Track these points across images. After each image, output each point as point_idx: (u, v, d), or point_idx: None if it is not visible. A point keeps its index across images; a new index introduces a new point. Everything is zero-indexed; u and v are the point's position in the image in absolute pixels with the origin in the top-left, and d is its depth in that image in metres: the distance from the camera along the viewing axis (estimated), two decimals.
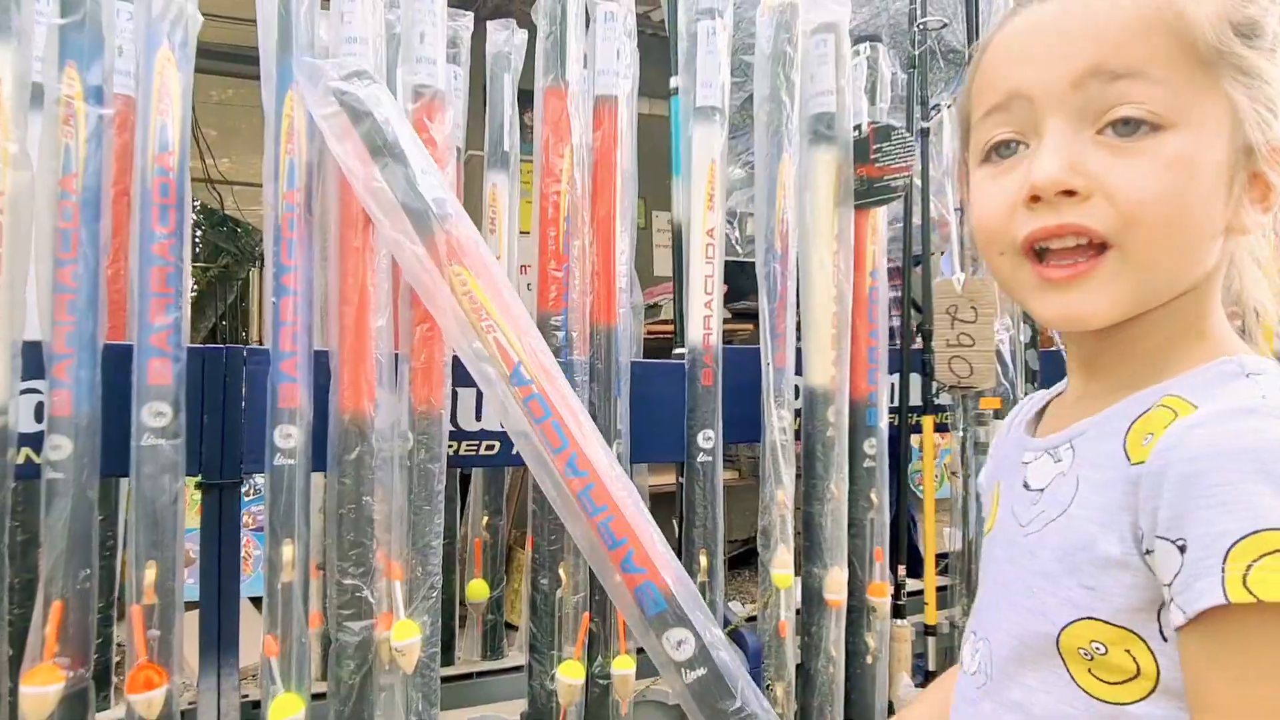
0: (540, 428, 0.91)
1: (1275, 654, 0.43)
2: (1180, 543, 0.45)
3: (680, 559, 1.20)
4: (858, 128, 1.30)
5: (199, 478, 1.01)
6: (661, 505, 1.68)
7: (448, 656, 1.31)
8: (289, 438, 0.93)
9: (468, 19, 1.29)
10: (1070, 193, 0.49)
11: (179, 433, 0.89)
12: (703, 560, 1.18)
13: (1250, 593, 0.42)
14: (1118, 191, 0.48)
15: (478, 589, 1.28)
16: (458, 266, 0.90)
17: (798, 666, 1.25)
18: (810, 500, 1.26)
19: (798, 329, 1.26)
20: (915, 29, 1.38)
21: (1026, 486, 0.57)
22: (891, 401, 1.42)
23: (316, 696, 0.99)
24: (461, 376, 1.12)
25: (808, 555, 1.26)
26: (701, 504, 1.18)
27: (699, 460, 1.19)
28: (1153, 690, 0.47)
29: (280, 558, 0.92)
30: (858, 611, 1.30)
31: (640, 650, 1.13)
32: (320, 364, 0.98)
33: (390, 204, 0.90)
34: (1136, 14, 0.49)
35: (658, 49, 1.34)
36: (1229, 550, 0.43)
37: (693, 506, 1.18)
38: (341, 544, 0.97)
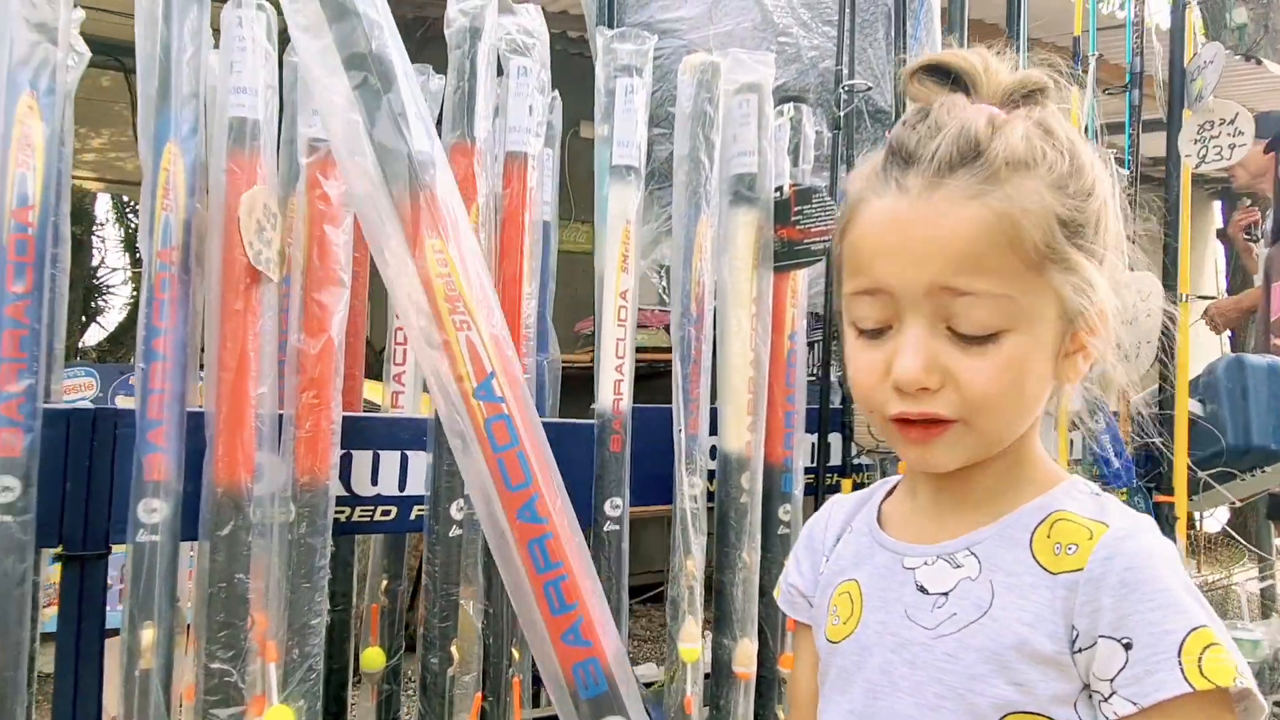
0: (501, 456, 0.79)
1: None
2: (1125, 641, 0.53)
3: None
4: (779, 189, 1.28)
5: (60, 549, 0.95)
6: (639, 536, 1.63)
7: None
8: (154, 512, 0.87)
9: None
10: (926, 388, 0.57)
11: (29, 508, 0.83)
12: None
13: (1207, 679, 0.51)
14: (965, 387, 0.57)
15: (373, 657, 1.22)
16: (438, 241, 0.76)
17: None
18: (722, 569, 1.23)
19: (714, 392, 1.24)
20: (841, 90, 1.38)
21: (923, 590, 0.62)
22: (811, 462, 1.40)
23: None
24: (354, 439, 1.07)
25: (718, 626, 1.23)
26: (607, 573, 1.14)
27: (605, 529, 1.15)
28: None
29: (138, 643, 0.86)
30: (768, 683, 1.27)
31: None
32: (197, 427, 0.92)
33: (358, 136, 0.74)
34: (979, 234, 0.56)
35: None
36: (1180, 645, 0.52)
37: (598, 573, 1.14)
38: (211, 624, 0.91)
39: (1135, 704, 0.53)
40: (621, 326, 1.15)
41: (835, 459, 1.44)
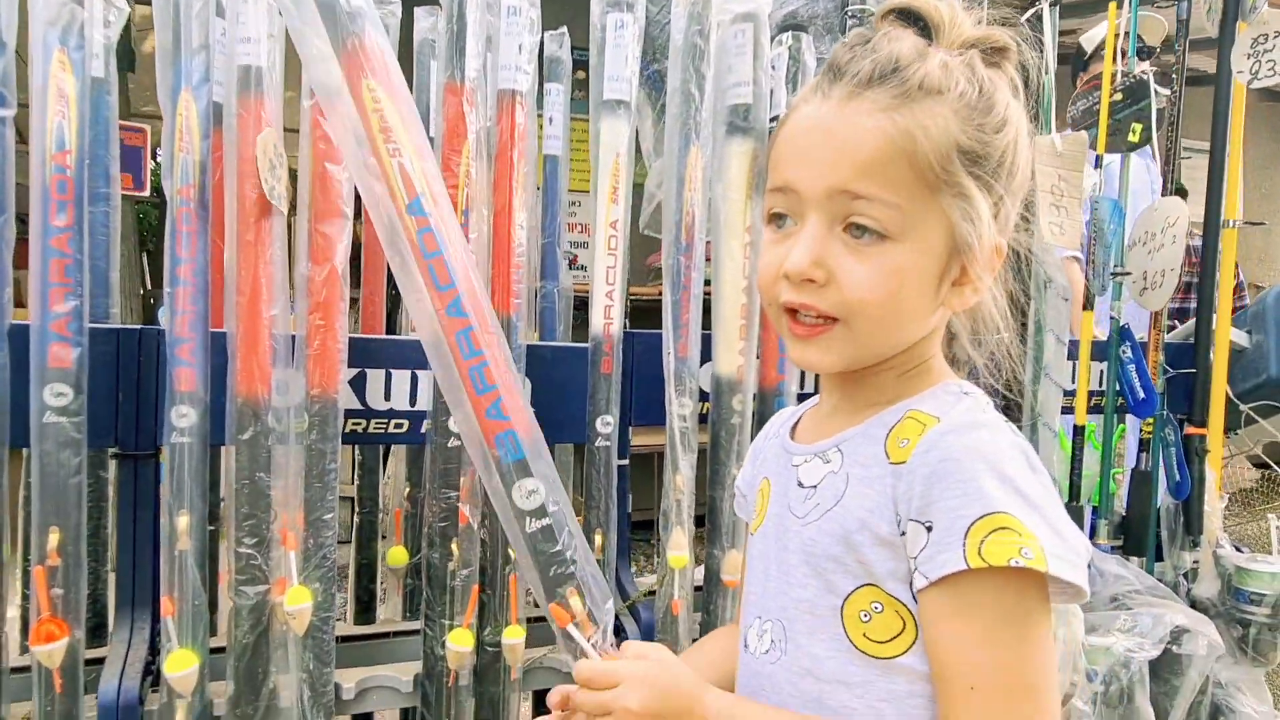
0: (431, 262, 0.84)
1: (991, 607, 0.58)
2: (928, 524, 0.60)
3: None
4: (775, 118, 1.30)
5: (117, 449, 1.10)
6: (642, 464, 1.73)
7: (369, 616, 1.41)
8: (184, 417, 1.01)
9: (395, 5, 1.32)
10: (812, 280, 0.64)
11: (80, 412, 0.97)
12: (598, 539, 1.24)
13: (982, 559, 0.57)
14: (845, 286, 0.63)
15: (397, 555, 1.36)
16: (371, 80, 0.84)
17: (694, 641, 1.31)
18: (713, 485, 1.30)
19: (706, 317, 1.29)
20: (846, 15, 1.37)
21: (800, 485, 0.71)
22: (802, 387, 1.44)
23: (218, 651, 1.08)
24: (368, 358, 1.18)
25: (709, 538, 1.31)
26: (598, 486, 1.23)
27: (597, 444, 1.24)
28: (913, 644, 0.63)
29: (175, 528, 1.00)
30: None
31: (531, 620, 1.20)
32: (220, 346, 1.05)
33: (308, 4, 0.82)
34: (880, 144, 0.62)
35: None
36: (968, 529, 0.58)
37: (590, 488, 1.24)
38: (238, 515, 1.05)
39: (927, 578, 0.60)
40: (612, 255, 1.22)
41: None
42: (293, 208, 1.07)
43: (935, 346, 0.71)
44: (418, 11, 1.35)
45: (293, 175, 1.05)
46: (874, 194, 0.61)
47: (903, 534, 0.62)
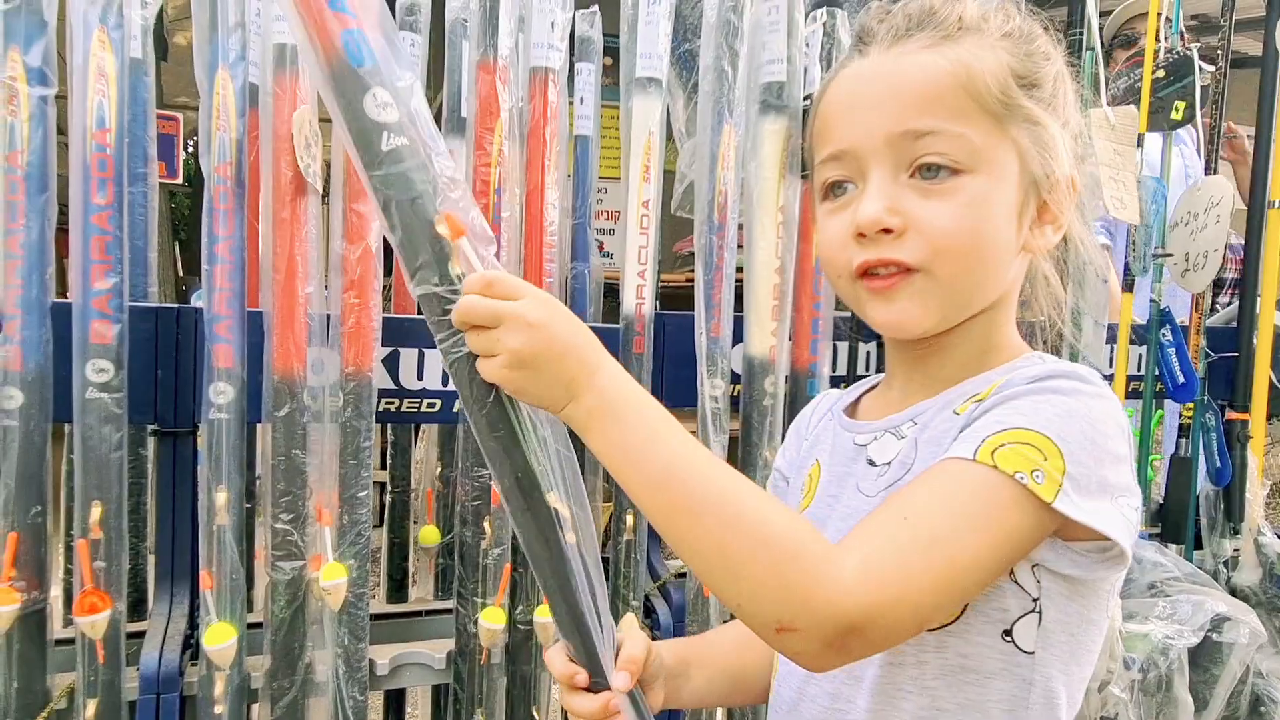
0: None
1: (971, 488, 0.53)
2: (968, 423, 0.57)
3: (612, 519, 1.27)
4: (809, 96, 1.28)
5: (156, 425, 1.12)
6: None
7: (401, 595, 1.42)
8: (222, 394, 1.02)
9: None
10: (888, 230, 0.59)
11: (121, 387, 0.98)
12: (629, 519, 1.24)
13: (993, 461, 0.53)
14: (927, 228, 0.59)
15: (429, 534, 1.37)
16: None
17: (726, 622, 1.31)
18: (745, 466, 1.30)
19: (739, 298, 1.28)
20: None
21: (871, 463, 0.66)
22: (834, 370, 1.43)
23: (255, 626, 1.10)
24: (402, 338, 1.19)
25: None
26: None
27: None
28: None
29: (214, 503, 1.02)
30: None
31: None
32: (256, 324, 1.06)
33: None
34: (935, 77, 0.59)
35: None
36: (995, 432, 0.54)
37: None
38: (274, 492, 1.06)
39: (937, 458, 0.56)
40: (644, 235, 1.21)
41: (868, 368, 1.46)
42: (327, 188, 1.08)
43: (1010, 317, 0.66)
44: None
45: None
46: (939, 127, 0.58)
47: None
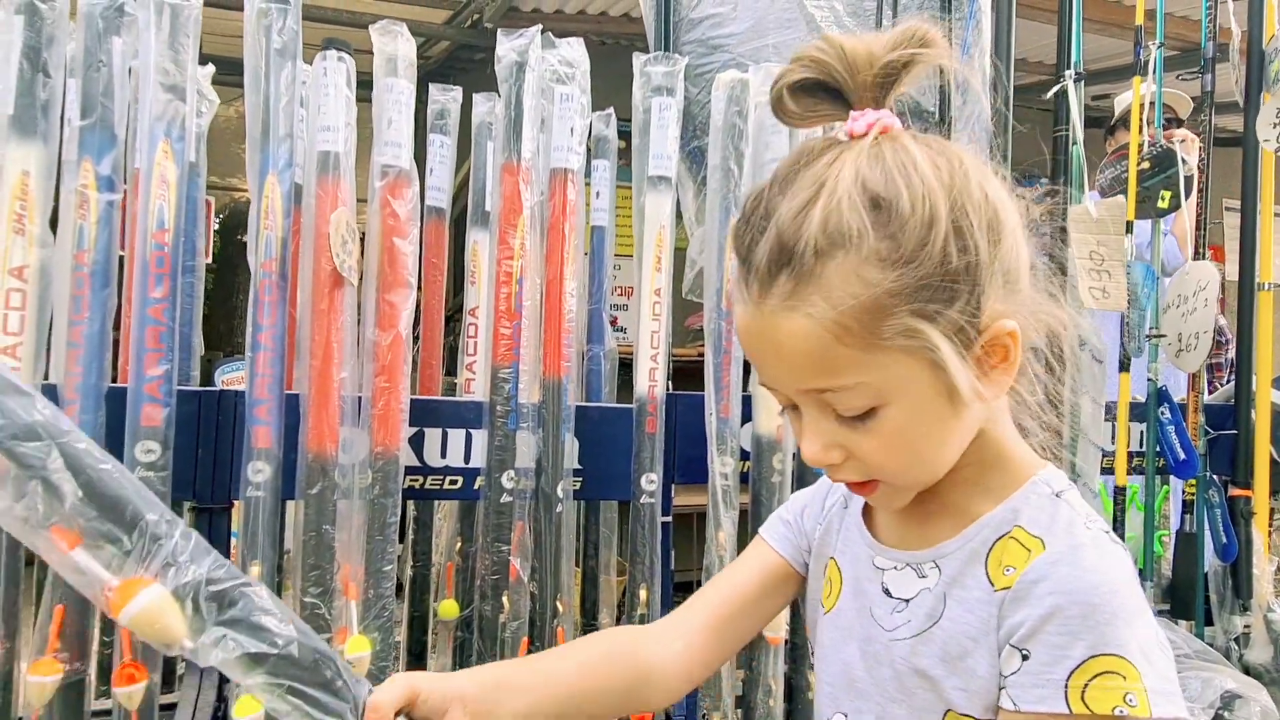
0: None
1: None
2: (1025, 653, 0.57)
3: (626, 593, 1.31)
4: None
5: (193, 502, 1.18)
6: (682, 524, 1.76)
7: (420, 666, 1.45)
8: (259, 473, 1.08)
9: (456, 93, 1.44)
10: (832, 464, 0.61)
11: (167, 466, 1.05)
12: (643, 594, 1.28)
13: (1086, 707, 0.54)
14: (865, 459, 0.60)
15: (448, 608, 1.41)
16: None
17: (739, 698, 1.33)
18: None
19: (746, 378, 1.35)
20: None
21: (888, 593, 0.66)
22: None
23: None
24: (426, 418, 1.26)
25: None
26: (642, 542, 1.28)
27: (642, 501, 1.29)
28: None
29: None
30: (801, 648, 1.36)
31: None
32: (293, 406, 1.13)
33: None
34: (810, 341, 0.56)
35: None
36: (1073, 670, 0.55)
37: (635, 544, 1.28)
38: (304, 565, 1.11)
39: (1015, 705, 0.56)
40: (656, 320, 1.29)
41: None
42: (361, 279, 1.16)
43: (1006, 431, 0.65)
44: (476, 96, 1.46)
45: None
46: (834, 384, 0.57)
47: (999, 656, 0.59)
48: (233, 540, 1.20)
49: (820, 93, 0.59)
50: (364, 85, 1.09)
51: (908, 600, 0.64)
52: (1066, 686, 0.55)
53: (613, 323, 1.70)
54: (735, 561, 0.80)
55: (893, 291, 0.55)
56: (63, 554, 0.57)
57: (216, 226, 5.57)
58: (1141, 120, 1.61)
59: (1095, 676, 0.54)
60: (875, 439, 0.58)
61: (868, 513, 0.71)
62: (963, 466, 0.63)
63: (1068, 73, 1.57)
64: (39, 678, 0.97)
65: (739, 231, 0.60)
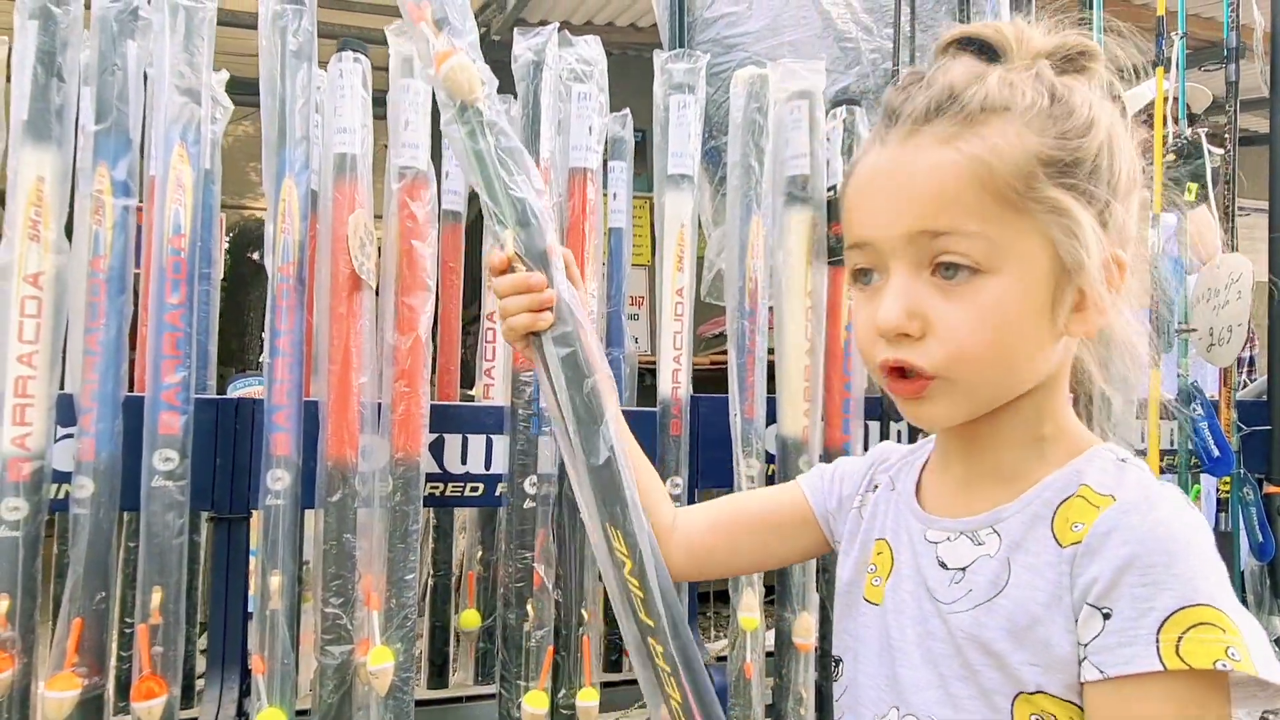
0: None
1: (1176, 713, 0.51)
2: (1105, 611, 0.53)
3: None
4: (833, 188, 1.35)
5: (212, 512, 1.16)
6: None
7: (442, 680, 1.42)
8: (279, 481, 1.06)
9: None
10: (907, 334, 0.58)
11: (185, 475, 1.03)
12: None
13: (1182, 659, 0.49)
14: (945, 334, 0.57)
15: (470, 618, 1.38)
16: None
17: (769, 707, 1.30)
18: None
19: (770, 380, 1.32)
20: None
21: (943, 565, 0.63)
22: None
23: (301, 713, 1.11)
24: (446, 424, 1.23)
25: (780, 600, 1.31)
26: None
27: None
28: None
29: (269, 587, 1.05)
30: (829, 655, 1.33)
31: (605, 684, 1.21)
32: (311, 413, 1.11)
33: None
34: (952, 174, 0.56)
35: None
36: (1163, 622, 0.50)
37: None
38: (325, 575, 1.08)
39: (1101, 672, 0.52)
40: (678, 321, 1.26)
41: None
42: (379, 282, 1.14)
43: (1063, 393, 0.63)
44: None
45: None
46: (955, 227, 0.56)
47: (1075, 622, 0.55)
48: (251, 555, 1.17)
49: (974, 49, 0.61)
50: (378, 103, 1.08)
51: (964, 569, 0.60)
52: (1158, 640, 0.50)
53: None
54: (768, 487, 0.80)
55: (1047, 159, 0.56)
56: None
57: (227, 245, 5.60)
58: (1165, 112, 1.58)
59: (1190, 628, 0.50)
60: (966, 309, 0.56)
61: (919, 490, 0.69)
62: (1019, 427, 0.61)
63: None
64: (57, 693, 0.95)
65: (892, 97, 0.61)
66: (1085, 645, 0.53)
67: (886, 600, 0.66)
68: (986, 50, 0.61)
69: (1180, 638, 0.50)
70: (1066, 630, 0.54)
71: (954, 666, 0.59)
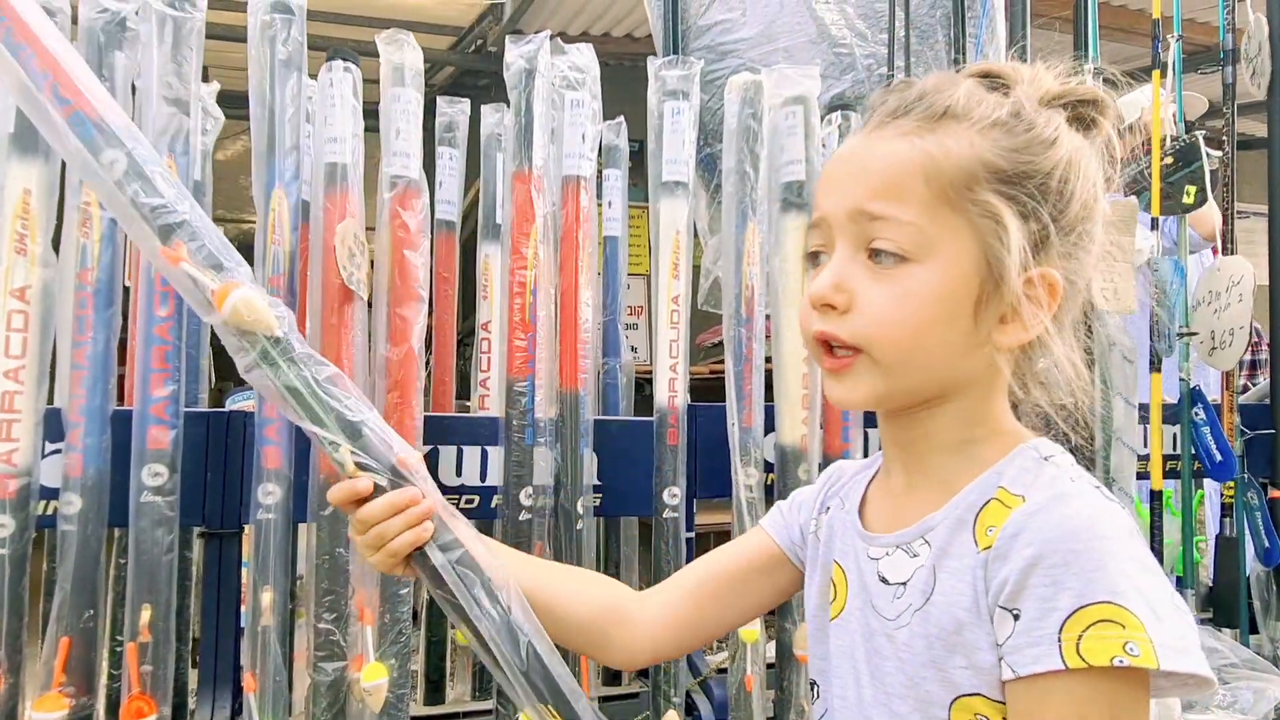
0: None
1: (1086, 710, 0.52)
2: (1015, 611, 0.54)
3: None
4: None
5: (203, 527, 1.15)
6: (703, 546, 1.72)
7: (438, 696, 1.40)
8: (270, 494, 1.05)
9: (464, 104, 1.41)
10: (833, 306, 0.61)
11: (174, 491, 1.02)
12: None
13: (1082, 659, 0.51)
14: (866, 310, 0.60)
15: None
16: None
17: (770, 719, 1.28)
18: None
19: (769, 388, 1.31)
20: None
21: (885, 581, 0.64)
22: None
23: None
24: (441, 435, 1.22)
25: (780, 612, 1.29)
26: (666, 559, 1.23)
27: (665, 515, 1.25)
28: None
29: (260, 603, 1.03)
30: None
31: (603, 699, 1.19)
32: None
33: None
34: (902, 162, 0.60)
35: None
36: (1064, 621, 0.52)
37: (658, 561, 1.24)
38: (318, 590, 1.07)
39: (1015, 671, 0.53)
40: (674, 329, 1.25)
41: None
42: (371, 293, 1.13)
43: (1000, 399, 0.64)
44: (484, 109, 1.44)
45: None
46: (890, 213, 0.59)
47: (990, 623, 0.56)
48: (243, 570, 1.16)
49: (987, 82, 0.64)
50: (370, 115, 1.07)
51: (905, 583, 0.62)
52: (1060, 640, 0.52)
53: None
54: (731, 541, 0.81)
55: (993, 167, 0.59)
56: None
57: None
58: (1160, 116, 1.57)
59: (1090, 626, 0.51)
60: (890, 291, 0.59)
61: (861, 508, 0.70)
62: (949, 430, 0.63)
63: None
64: (44, 714, 0.93)
65: (876, 97, 0.65)
66: (1001, 646, 0.55)
67: (843, 621, 0.67)
68: (998, 85, 0.63)
69: (1080, 636, 0.51)
70: (987, 633, 0.56)
71: (897, 683, 0.61)
